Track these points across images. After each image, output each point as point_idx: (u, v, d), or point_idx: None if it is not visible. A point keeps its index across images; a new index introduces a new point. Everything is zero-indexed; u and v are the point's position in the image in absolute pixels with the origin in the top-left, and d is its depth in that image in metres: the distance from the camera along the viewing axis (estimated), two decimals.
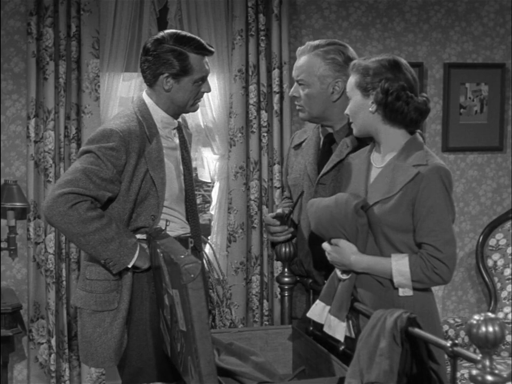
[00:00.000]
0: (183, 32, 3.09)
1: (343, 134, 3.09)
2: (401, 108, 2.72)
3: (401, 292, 2.68)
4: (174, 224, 3.09)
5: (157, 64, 3.00)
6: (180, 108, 3.09)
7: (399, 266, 2.65)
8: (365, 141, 2.91)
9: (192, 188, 3.22)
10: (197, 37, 3.06)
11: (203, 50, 3.02)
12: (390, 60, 2.75)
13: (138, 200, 3.01)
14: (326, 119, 3.09)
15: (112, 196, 2.97)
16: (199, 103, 3.14)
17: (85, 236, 2.91)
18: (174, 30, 3.11)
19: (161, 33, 3.06)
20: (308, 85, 3.04)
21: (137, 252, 2.97)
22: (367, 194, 2.76)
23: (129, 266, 2.97)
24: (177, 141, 3.16)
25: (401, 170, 2.70)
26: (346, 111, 2.82)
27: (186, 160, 3.20)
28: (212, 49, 3.06)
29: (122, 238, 2.94)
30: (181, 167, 3.16)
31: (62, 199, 2.88)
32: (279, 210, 3.19)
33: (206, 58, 3.05)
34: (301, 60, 3.06)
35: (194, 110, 3.18)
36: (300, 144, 3.25)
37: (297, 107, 3.11)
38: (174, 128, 3.15)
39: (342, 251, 2.73)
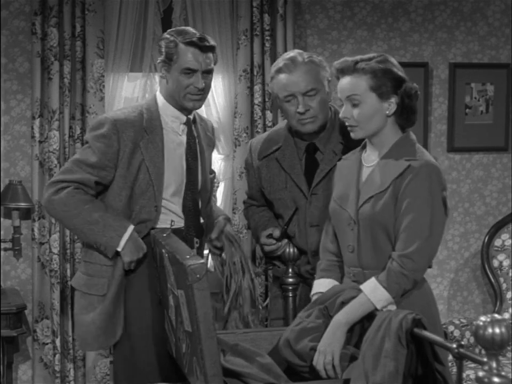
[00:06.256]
0: (188, 28, 3.17)
1: (325, 141, 3.17)
2: (416, 108, 2.74)
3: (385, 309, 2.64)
4: (164, 215, 3.10)
5: (157, 54, 3.12)
6: (174, 99, 3.09)
7: (376, 295, 2.60)
8: (352, 146, 2.90)
9: (197, 186, 3.18)
10: (196, 32, 3.08)
11: (195, 42, 3.03)
12: (388, 59, 2.75)
13: (138, 191, 3.04)
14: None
15: (103, 181, 3.04)
16: (196, 101, 3.09)
17: (70, 219, 3.02)
18: (183, 27, 3.22)
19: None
20: None
21: (125, 236, 2.99)
22: (359, 193, 2.75)
23: (119, 249, 3.00)
24: (184, 137, 3.15)
25: (392, 164, 2.69)
26: (348, 115, 2.73)
27: (193, 157, 3.16)
28: (206, 44, 3.04)
29: (106, 220, 2.99)
30: (184, 163, 3.14)
31: (50, 187, 3.04)
32: (269, 230, 3.24)
33: (204, 55, 3.04)
34: None
35: (191, 107, 3.11)
36: (269, 155, 3.25)
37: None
38: (184, 124, 3.14)
39: (324, 345, 2.60)
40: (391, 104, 2.70)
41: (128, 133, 3.02)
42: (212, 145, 3.37)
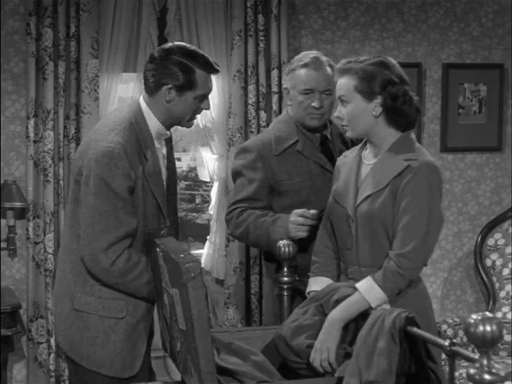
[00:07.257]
0: (192, 47, 3.02)
1: (331, 132, 3.48)
2: (407, 111, 2.74)
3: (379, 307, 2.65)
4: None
5: (162, 74, 2.93)
6: (176, 120, 3.03)
7: (371, 294, 2.62)
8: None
9: (175, 194, 3.20)
10: (205, 54, 3.01)
11: (210, 68, 2.98)
12: (383, 61, 2.76)
13: (150, 216, 3.00)
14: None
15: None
16: (194, 120, 3.09)
17: (123, 284, 2.94)
18: (182, 43, 3.04)
19: (169, 44, 3.01)
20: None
21: None
22: (358, 190, 2.77)
23: None
24: (164, 150, 3.13)
25: (391, 163, 2.71)
26: (340, 115, 2.79)
27: (171, 170, 3.16)
28: (218, 68, 3.02)
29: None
30: (163, 178, 3.11)
31: (103, 256, 2.88)
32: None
33: (211, 76, 3.02)
34: None
35: (190, 126, 3.12)
36: (287, 149, 3.39)
37: None
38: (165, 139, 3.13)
39: (320, 343, 2.62)
40: (377, 106, 2.73)
41: (137, 166, 2.92)
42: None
